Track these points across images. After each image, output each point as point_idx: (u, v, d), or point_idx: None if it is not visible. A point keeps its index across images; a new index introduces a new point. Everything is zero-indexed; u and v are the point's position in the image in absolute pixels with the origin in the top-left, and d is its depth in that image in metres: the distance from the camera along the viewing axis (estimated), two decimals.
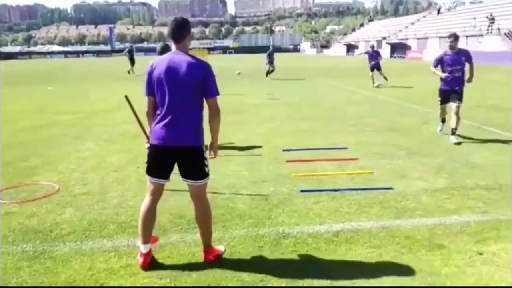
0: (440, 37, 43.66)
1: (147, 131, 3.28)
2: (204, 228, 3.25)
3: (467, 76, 7.17)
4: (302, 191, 4.69)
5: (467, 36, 38.84)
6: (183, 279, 3.00)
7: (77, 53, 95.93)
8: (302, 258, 3.23)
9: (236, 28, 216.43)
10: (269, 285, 2.91)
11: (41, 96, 16.34)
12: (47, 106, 12.92)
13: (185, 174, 3.12)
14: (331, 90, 16.03)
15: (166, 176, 3.15)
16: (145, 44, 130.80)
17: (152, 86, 3.06)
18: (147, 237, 3.18)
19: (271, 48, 22.72)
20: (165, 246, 3.47)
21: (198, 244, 3.49)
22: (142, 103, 3.21)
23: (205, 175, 3.14)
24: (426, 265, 3.08)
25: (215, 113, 3.11)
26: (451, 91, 7.13)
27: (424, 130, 8.10)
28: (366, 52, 18.10)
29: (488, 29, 36.43)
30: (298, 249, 3.38)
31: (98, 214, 4.19)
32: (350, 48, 69.84)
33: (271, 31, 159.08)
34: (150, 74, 3.07)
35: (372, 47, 17.79)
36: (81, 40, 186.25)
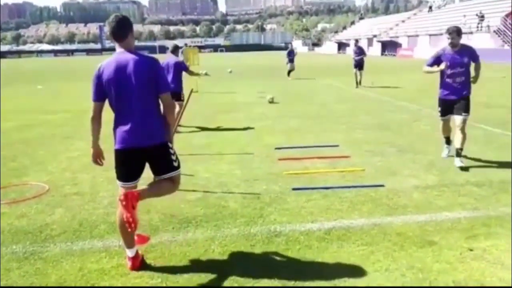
0: (430, 35, 44.00)
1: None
2: (156, 193, 3.19)
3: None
4: (294, 189, 4.69)
5: None
6: (175, 279, 2.98)
7: (67, 52, 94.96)
8: (294, 257, 3.23)
9: (227, 26, 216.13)
10: (261, 284, 2.90)
11: (30, 95, 16.18)
12: (36, 106, 12.79)
13: (156, 172, 3.10)
14: (322, 88, 16.07)
15: (136, 178, 3.10)
16: (136, 43, 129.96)
17: (102, 90, 2.96)
18: (131, 242, 3.13)
19: (290, 46, 22.13)
20: (157, 246, 3.45)
21: (190, 243, 3.48)
22: None
23: (175, 168, 3.11)
24: (417, 262, 3.10)
25: (170, 108, 3.07)
26: (453, 100, 5.59)
27: (415, 127, 8.15)
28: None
29: (477, 27, 36.73)
30: (290, 247, 3.37)
31: (89, 214, 4.16)
32: (341, 46, 70.07)
33: (262, 29, 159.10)
34: (99, 77, 2.95)
35: (356, 42, 17.20)
36: (71, 39, 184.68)
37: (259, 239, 3.52)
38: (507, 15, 34.22)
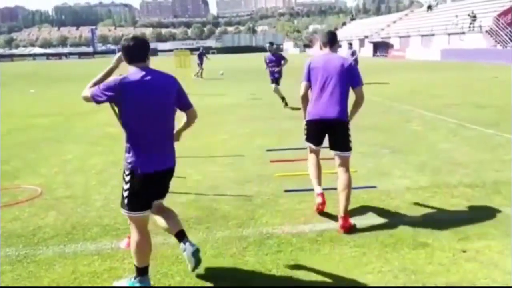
0: (422, 35, 44.27)
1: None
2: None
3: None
4: (286, 191, 4.69)
5: (449, 34, 39.46)
6: (167, 281, 2.97)
7: (59, 55, 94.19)
8: (287, 258, 3.23)
9: (219, 28, 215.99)
10: (254, 285, 2.89)
11: (22, 99, 16.04)
12: (28, 109, 12.69)
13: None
14: None
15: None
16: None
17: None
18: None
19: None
20: None
21: None
22: None
23: None
24: (410, 263, 3.11)
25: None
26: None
27: (407, 128, 8.19)
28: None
29: (470, 27, 37.02)
30: (283, 249, 3.37)
31: (82, 217, 4.13)
32: None
33: (254, 31, 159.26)
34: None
35: (350, 45, 17.41)
36: (63, 42, 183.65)
37: (251, 241, 3.52)
38: (499, 15, 34.53)
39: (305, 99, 4.16)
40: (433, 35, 42.22)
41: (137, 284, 2.83)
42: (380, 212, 4.08)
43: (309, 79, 4.05)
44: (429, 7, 53.44)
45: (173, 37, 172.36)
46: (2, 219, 4.14)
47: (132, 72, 2.73)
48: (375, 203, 4.31)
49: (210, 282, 2.94)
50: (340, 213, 3.67)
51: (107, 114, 5.34)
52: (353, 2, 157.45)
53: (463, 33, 37.49)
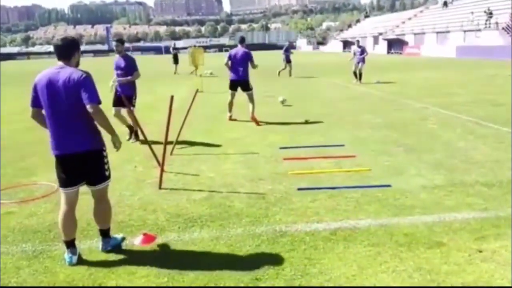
0: (437, 32, 43.68)
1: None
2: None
3: None
4: (299, 189, 4.68)
5: (464, 31, 38.87)
6: (181, 278, 2.99)
7: None
8: (300, 257, 3.22)
9: (232, 26, 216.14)
10: (267, 284, 2.89)
11: None
12: None
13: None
14: (326, 86, 16.02)
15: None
16: (141, 43, 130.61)
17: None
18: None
19: (287, 44, 22.21)
20: (163, 245, 3.47)
21: (195, 243, 3.48)
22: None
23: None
24: (425, 263, 3.07)
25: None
26: None
27: (422, 126, 8.09)
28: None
29: (486, 24, 36.41)
30: (296, 247, 3.36)
31: None
32: (347, 44, 69.78)
33: (267, 29, 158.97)
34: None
35: (358, 42, 17.69)
36: (78, 40, 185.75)
37: (264, 239, 3.52)
38: None
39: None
40: (448, 32, 41.63)
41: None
42: (394, 211, 4.04)
43: None
44: (445, 3, 52.60)
45: (186, 35, 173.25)
46: (19, 215, 4.21)
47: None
48: (390, 202, 4.26)
49: (223, 280, 2.95)
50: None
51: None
52: None
53: (479, 30, 36.88)
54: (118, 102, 7.03)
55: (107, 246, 3.39)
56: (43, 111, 3.23)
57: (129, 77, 7.02)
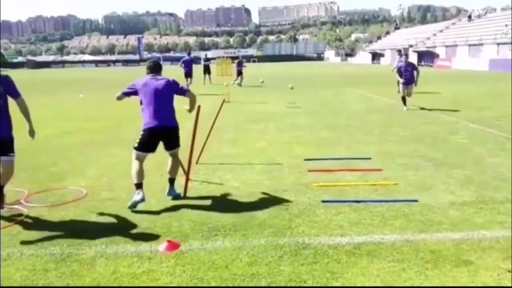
0: (470, 45, 42.74)
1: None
2: None
3: None
4: (323, 201, 4.65)
5: (498, 44, 37.89)
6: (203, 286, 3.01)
7: (107, 62, 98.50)
8: (322, 270, 3.19)
9: (260, 37, 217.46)
10: None
11: (72, 103, 16.83)
12: (76, 114, 13.28)
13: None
14: (354, 98, 15.89)
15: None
16: (171, 54, 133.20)
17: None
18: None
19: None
20: (186, 253, 3.50)
21: (218, 252, 3.51)
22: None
23: None
24: (452, 282, 2.99)
25: None
26: None
27: (451, 140, 7.91)
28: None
29: None
30: (318, 260, 3.34)
31: (123, 220, 4.27)
32: (376, 56, 69.10)
33: (295, 40, 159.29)
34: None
35: (399, 51, 15.69)
36: (111, 50, 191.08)
37: (286, 251, 3.51)
38: None
39: None
40: (481, 44, 40.66)
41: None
42: (421, 227, 3.96)
43: None
44: (469, 17, 51.65)
45: (215, 46, 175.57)
46: (49, 219, 4.35)
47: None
48: (416, 217, 4.18)
49: None
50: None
51: None
52: (397, 10, 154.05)
53: None
54: None
55: (170, 193, 4.87)
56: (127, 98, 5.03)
57: None
